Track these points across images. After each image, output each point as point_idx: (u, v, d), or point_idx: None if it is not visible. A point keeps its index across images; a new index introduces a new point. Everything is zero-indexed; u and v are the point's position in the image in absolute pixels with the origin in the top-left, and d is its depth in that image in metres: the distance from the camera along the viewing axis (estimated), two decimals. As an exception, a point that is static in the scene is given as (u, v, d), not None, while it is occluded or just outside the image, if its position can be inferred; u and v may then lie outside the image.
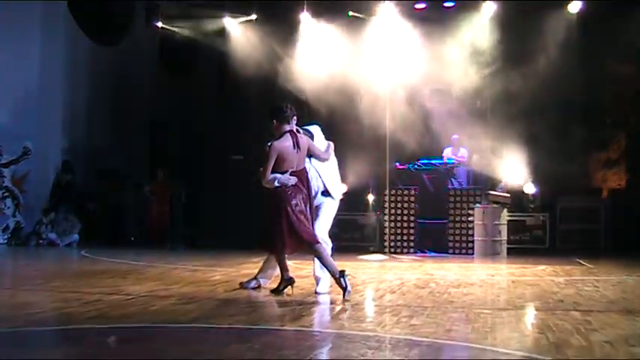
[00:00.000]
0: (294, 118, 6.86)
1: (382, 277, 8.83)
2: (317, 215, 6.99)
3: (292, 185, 6.60)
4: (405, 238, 13.36)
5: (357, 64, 13.21)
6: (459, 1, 14.71)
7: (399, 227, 13.36)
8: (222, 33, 15.81)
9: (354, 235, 13.89)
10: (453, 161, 14.11)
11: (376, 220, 13.88)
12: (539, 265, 10.62)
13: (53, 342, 4.85)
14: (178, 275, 8.52)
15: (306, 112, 12.09)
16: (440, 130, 13.87)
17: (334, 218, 7.23)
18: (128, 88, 16.26)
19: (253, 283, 7.19)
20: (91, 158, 15.05)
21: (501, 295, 7.39)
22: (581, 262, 11.18)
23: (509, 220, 13.13)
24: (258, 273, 7.28)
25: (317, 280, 6.97)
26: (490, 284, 8.24)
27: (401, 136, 12.95)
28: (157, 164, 15.72)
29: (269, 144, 6.65)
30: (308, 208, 6.72)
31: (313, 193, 6.92)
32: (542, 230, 13.94)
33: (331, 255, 6.80)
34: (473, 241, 12.93)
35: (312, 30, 14.65)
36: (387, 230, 13.17)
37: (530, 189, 13.94)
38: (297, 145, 6.65)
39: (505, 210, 12.95)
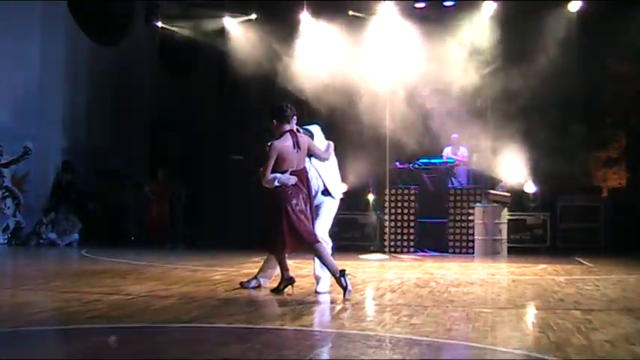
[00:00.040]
0: (294, 117, 6.86)
1: (382, 277, 8.83)
2: (317, 215, 6.99)
3: (292, 185, 6.60)
4: (405, 237, 13.37)
5: (357, 64, 13.21)
6: (458, 1, 14.72)
7: (399, 226, 13.37)
8: (222, 33, 15.81)
9: (354, 235, 13.90)
10: (454, 160, 14.11)
11: (376, 220, 13.88)
12: (540, 264, 10.63)
13: (53, 342, 4.85)
14: (178, 275, 8.52)
15: (306, 111, 12.07)
16: (440, 130, 13.87)
17: (334, 217, 7.23)
18: (128, 87, 16.26)
19: (253, 283, 7.19)
20: (91, 158, 15.05)
21: (502, 294, 7.39)
22: (581, 261, 11.19)
23: (509, 219, 13.15)
24: (259, 272, 7.28)
25: (317, 279, 6.96)
26: (490, 283, 8.24)
27: (401, 136, 12.95)
28: (156, 164, 15.72)
29: (269, 144, 6.65)
30: (308, 208, 6.72)
31: (313, 192, 6.91)
32: (543, 229, 13.94)
33: (331, 254, 6.79)
34: (473, 240, 12.94)
35: (312, 29, 14.65)
36: (387, 229, 13.18)
37: (530, 188, 13.95)
38: (297, 144, 6.65)
39: (505, 209, 12.96)
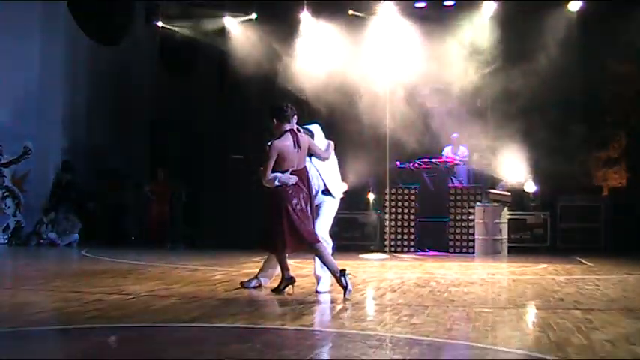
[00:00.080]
0: (295, 117, 6.86)
1: (383, 276, 8.83)
2: (317, 214, 6.99)
3: (293, 184, 6.60)
4: (405, 236, 13.37)
5: (357, 63, 13.20)
6: (458, 0, 14.70)
7: (399, 226, 13.37)
8: (222, 32, 15.80)
9: (354, 234, 13.89)
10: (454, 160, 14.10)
11: (377, 219, 13.88)
12: (540, 263, 10.64)
13: (53, 342, 4.85)
14: (179, 275, 8.52)
15: (306, 111, 12.06)
16: (440, 129, 13.87)
17: (335, 217, 7.23)
18: (128, 87, 16.26)
19: (254, 283, 7.19)
20: (91, 158, 15.05)
21: (502, 293, 7.39)
22: (581, 260, 11.20)
23: (509, 219, 13.14)
24: (259, 272, 7.28)
25: (317, 279, 6.97)
26: (491, 283, 8.24)
27: (401, 135, 12.95)
28: (156, 164, 15.72)
29: (269, 143, 6.65)
30: (308, 207, 6.72)
31: (314, 192, 6.91)
32: (543, 229, 13.93)
33: (332, 254, 6.79)
34: (473, 240, 12.94)
35: (312, 29, 14.64)
36: (387, 229, 13.18)
37: (530, 188, 13.94)
38: (297, 144, 6.65)
39: (506, 209, 12.96)
